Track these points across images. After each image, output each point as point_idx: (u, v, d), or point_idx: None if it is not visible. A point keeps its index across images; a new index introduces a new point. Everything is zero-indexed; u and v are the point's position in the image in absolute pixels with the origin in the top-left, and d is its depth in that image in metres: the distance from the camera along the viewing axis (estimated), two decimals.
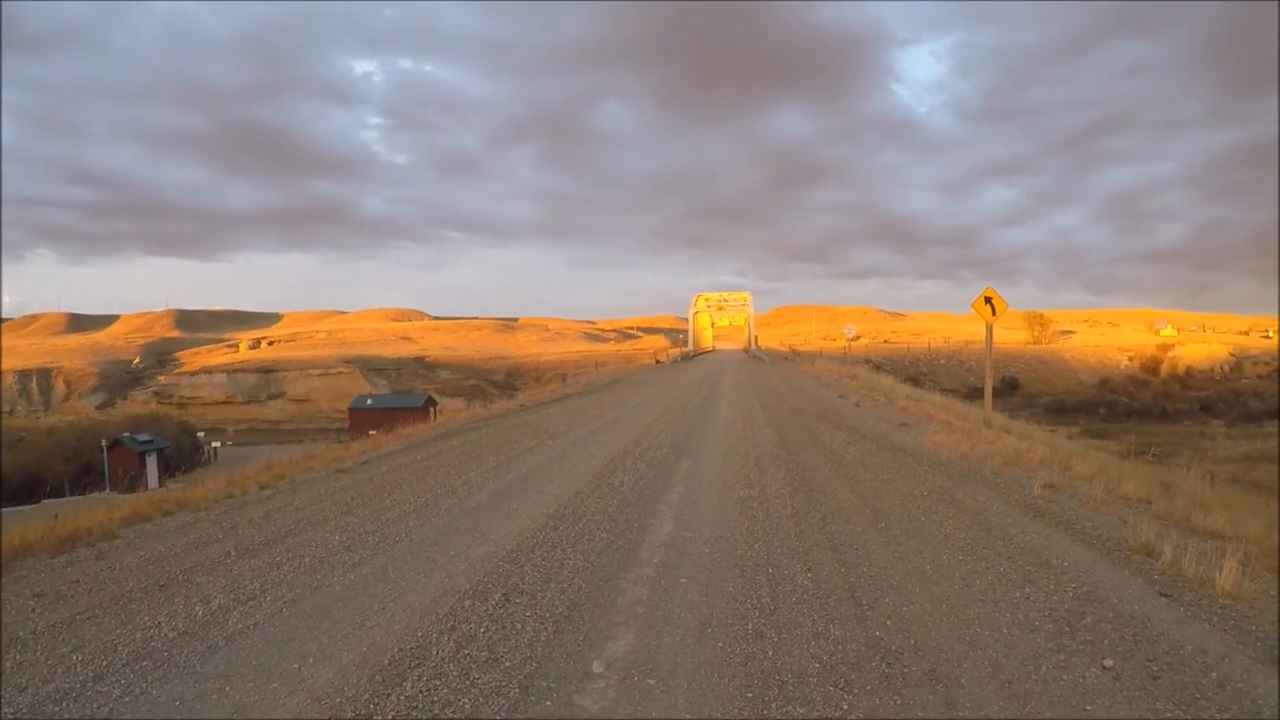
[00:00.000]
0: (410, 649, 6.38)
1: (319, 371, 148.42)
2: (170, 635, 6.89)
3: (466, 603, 7.47)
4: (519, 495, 12.81)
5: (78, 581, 8.63)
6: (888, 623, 6.80)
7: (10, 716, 5.55)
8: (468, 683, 5.81)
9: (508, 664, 6.11)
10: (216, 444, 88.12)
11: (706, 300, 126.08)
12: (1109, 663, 5.97)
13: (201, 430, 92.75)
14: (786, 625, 6.78)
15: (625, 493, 12.70)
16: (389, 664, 6.12)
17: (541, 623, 6.92)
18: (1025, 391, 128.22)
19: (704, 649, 6.37)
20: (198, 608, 7.59)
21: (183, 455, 74.43)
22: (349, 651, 6.40)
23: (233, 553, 9.65)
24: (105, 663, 6.35)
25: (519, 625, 6.87)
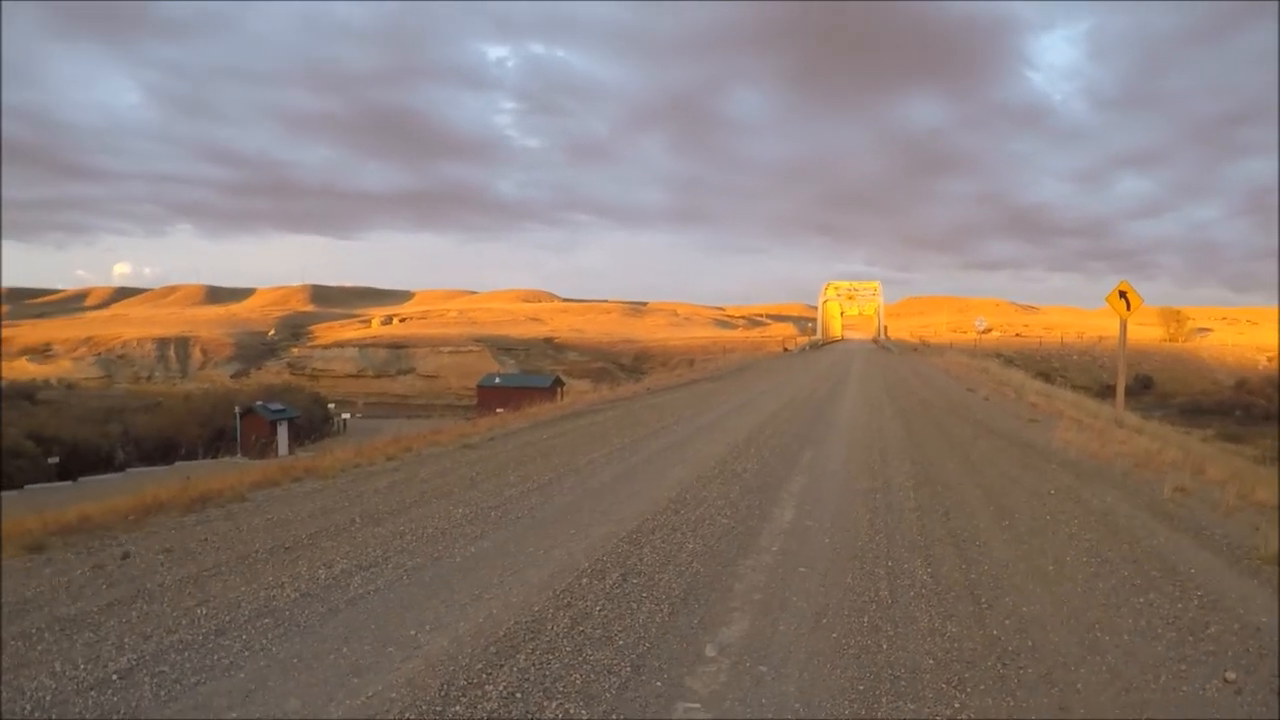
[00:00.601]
0: (525, 623, 6.36)
1: (449, 349, 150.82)
2: (292, 595, 6.99)
3: (584, 580, 7.44)
4: (641, 478, 12.79)
5: (206, 540, 8.81)
6: (1006, 622, 6.59)
7: (131, 663, 5.66)
8: (580, 659, 5.76)
9: (621, 642, 6.06)
10: (346, 415, 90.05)
11: (836, 289, 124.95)
12: (1231, 675, 5.70)
13: (332, 402, 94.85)
14: (903, 620, 6.61)
15: (747, 479, 12.58)
16: (504, 636, 6.10)
17: (657, 604, 6.86)
18: (1159, 391, 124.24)
19: (818, 639, 6.23)
20: (320, 571, 7.70)
21: (313, 425, 76.29)
22: (465, 621, 6.41)
23: (357, 520, 9.78)
24: (228, 618, 6.45)
25: (634, 605, 6.82)
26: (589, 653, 5.86)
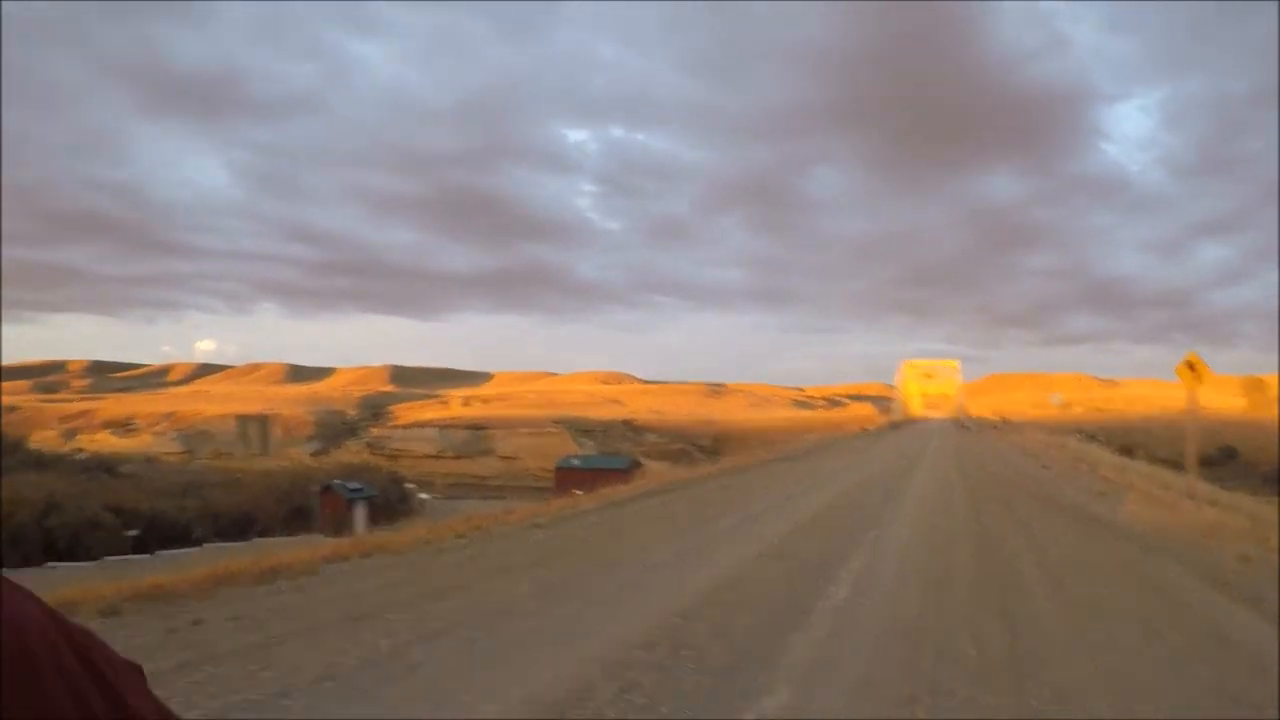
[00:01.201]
0: (574, 690, 6.56)
1: (527, 430, 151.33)
2: (354, 663, 7.23)
3: (636, 653, 7.62)
4: (702, 556, 12.98)
5: (275, 610, 9.13)
6: (1045, 692, 6.67)
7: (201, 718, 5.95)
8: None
9: (664, 709, 6.22)
10: (425, 495, 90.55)
11: (915, 368, 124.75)
12: None
13: (410, 482, 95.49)
14: (943, 692, 6.72)
15: (808, 558, 12.70)
16: (552, 702, 6.30)
17: (703, 674, 7.01)
18: (1243, 460, 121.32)
19: (857, 707, 6.37)
20: (383, 640, 7.94)
21: (391, 504, 76.77)
22: (518, 688, 6.60)
23: (423, 594, 10.04)
24: (291, 681, 6.70)
25: (681, 675, 6.97)
26: (633, 716, 6.05)
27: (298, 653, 7.48)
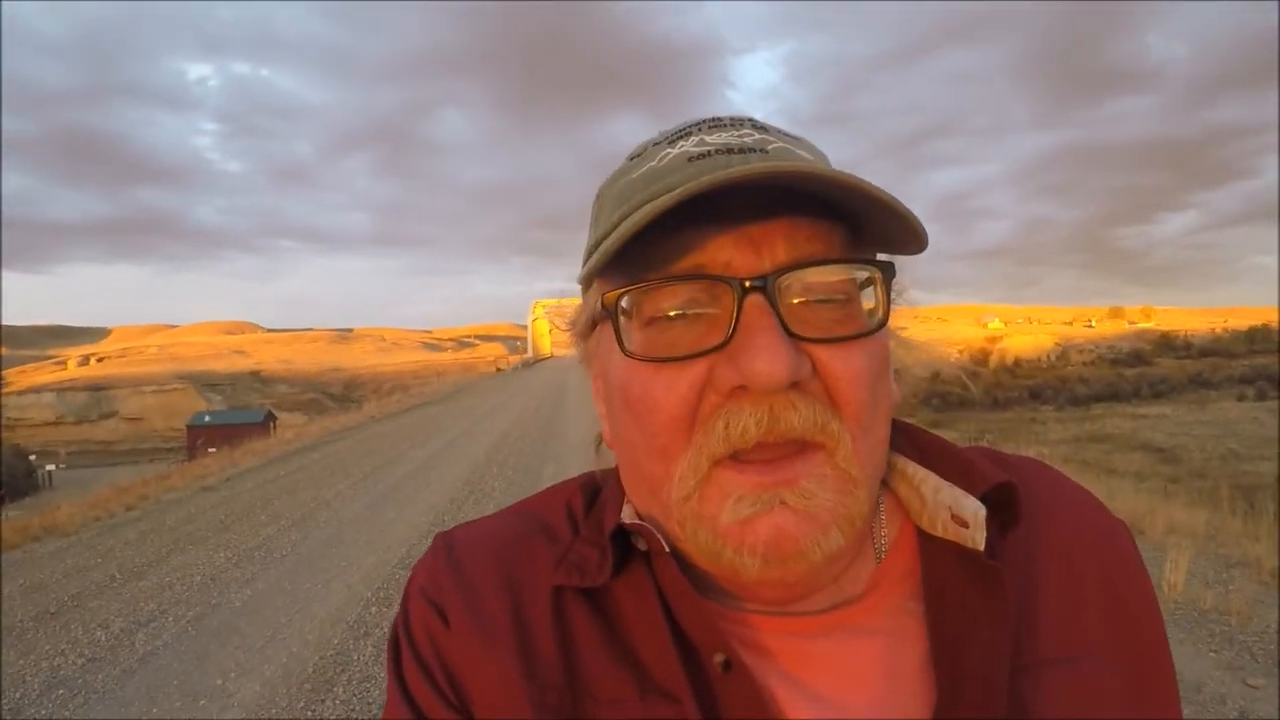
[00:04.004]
0: (330, 656, 6.53)
1: (152, 388, 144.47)
2: (79, 662, 6.87)
3: (373, 610, 7.64)
4: (395, 504, 12.96)
5: None
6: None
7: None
8: None
9: None
10: (50, 467, 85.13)
11: (545, 306, 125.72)
12: None
13: (33, 453, 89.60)
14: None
15: (498, 497, 12.94)
16: (313, 672, 6.25)
17: None
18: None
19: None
20: (98, 633, 7.57)
21: (16, 481, 71.76)
22: (269, 664, 6.50)
23: (118, 576, 9.57)
24: (19, 695, 6.31)
25: None
26: None
27: (10, 663, 6.98)
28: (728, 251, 0.75)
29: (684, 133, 0.83)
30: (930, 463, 0.89)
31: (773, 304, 0.73)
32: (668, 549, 0.81)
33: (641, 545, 0.84)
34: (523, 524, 0.96)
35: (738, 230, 0.75)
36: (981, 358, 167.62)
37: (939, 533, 0.83)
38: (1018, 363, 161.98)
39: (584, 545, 0.89)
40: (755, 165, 0.71)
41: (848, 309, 0.77)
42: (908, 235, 0.77)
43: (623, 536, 0.86)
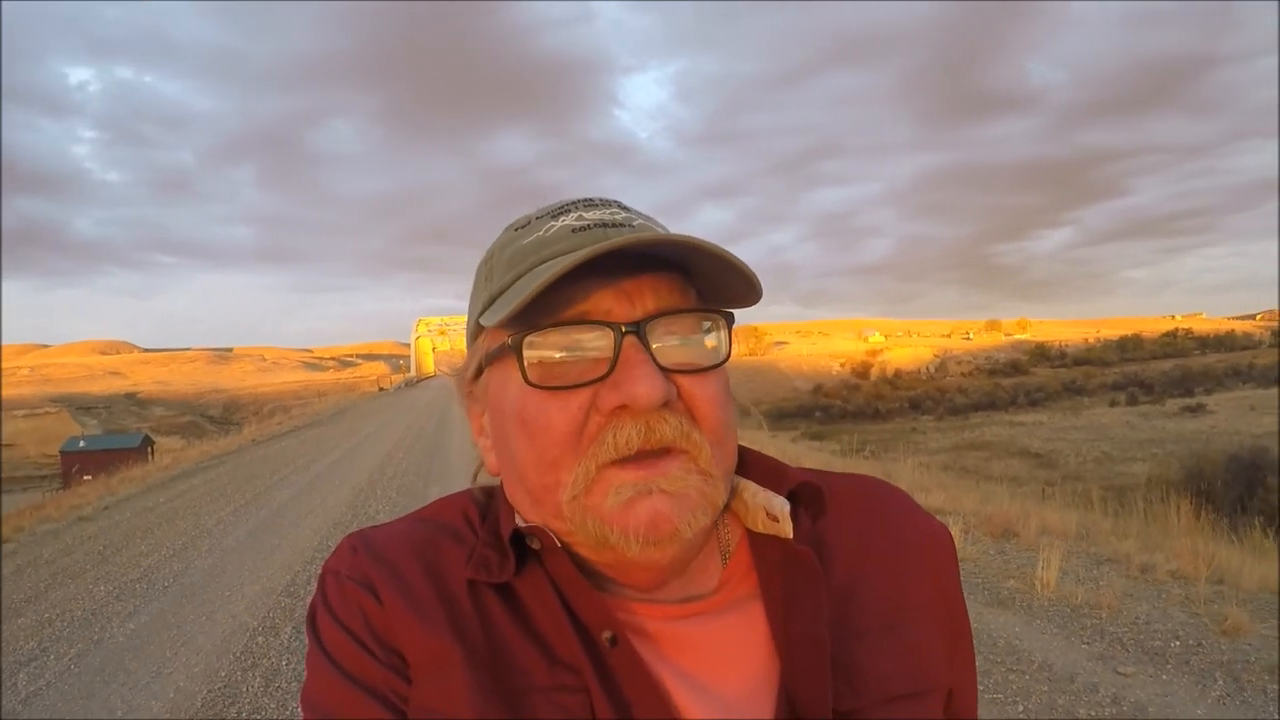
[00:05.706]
0: (219, 689, 6.55)
1: (23, 412, 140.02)
2: None
3: (260, 639, 7.66)
4: (277, 531, 12.91)
5: None
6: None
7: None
8: (286, 713, 6.06)
9: None
10: None
11: (428, 325, 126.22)
12: None
13: None
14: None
15: (383, 521, 12.93)
16: (202, 706, 6.27)
17: None
18: (746, 400, 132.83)
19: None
20: None
21: None
22: (156, 700, 6.49)
23: None
24: None
25: None
26: (292, 705, 6.16)
27: None
28: (608, 302, 0.97)
29: (564, 209, 1.06)
30: (748, 472, 1.12)
31: (644, 343, 0.95)
32: (559, 544, 1.00)
33: (535, 545, 1.03)
34: (428, 528, 1.12)
35: (615, 286, 0.97)
36: (863, 370, 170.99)
37: (760, 529, 1.07)
38: (898, 375, 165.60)
39: (485, 548, 1.06)
40: (629, 236, 0.93)
41: (701, 347, 1.00)
42: (746, 288, 1.01)
43: (518, 540, 1.04)
